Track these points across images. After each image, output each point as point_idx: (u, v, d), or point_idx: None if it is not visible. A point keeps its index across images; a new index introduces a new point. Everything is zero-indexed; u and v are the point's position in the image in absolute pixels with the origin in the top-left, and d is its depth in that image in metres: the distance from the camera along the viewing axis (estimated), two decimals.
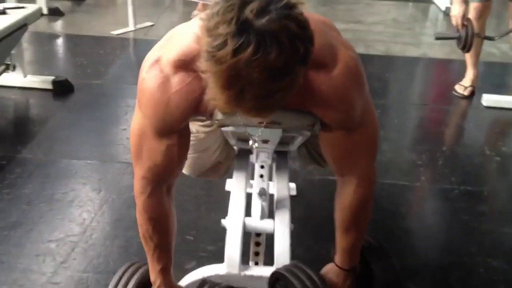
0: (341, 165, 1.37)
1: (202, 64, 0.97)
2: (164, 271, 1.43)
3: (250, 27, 0.92)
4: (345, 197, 1.39)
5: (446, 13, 5.49)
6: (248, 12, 0.92)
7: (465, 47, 3.05)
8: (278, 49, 0.92)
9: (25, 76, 3.23)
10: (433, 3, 5.95)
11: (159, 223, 1.38)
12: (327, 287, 1.37)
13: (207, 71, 0.97)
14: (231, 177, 1.82)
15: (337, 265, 1.45)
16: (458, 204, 2.36)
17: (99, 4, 5.32)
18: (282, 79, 0.96)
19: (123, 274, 1.42)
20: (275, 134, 1.45)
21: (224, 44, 0.92)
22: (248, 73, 0.93)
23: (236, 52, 0.92)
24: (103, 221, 2.11)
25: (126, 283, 1.40)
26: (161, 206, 1.38)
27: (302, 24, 0.96)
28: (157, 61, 1.19)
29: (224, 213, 1.59)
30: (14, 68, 3.17)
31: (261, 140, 1.51)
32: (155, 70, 1.19)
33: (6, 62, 3.09)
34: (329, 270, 1.46)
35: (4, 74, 3.10)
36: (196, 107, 1.20)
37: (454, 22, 3.06)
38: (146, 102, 1.22)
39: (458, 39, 3.07)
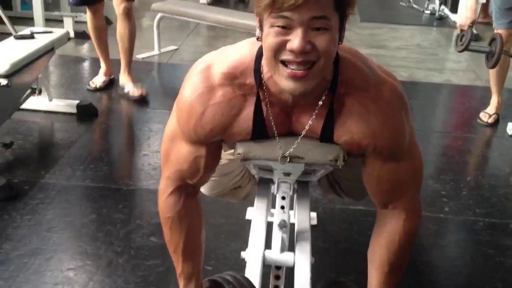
0: (387, 197, 1.35)
1: None
2: (186, 277, 1.42)
3: None
4: (391, 232, 1.36)
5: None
6: None
7: (493, 61, 2.96)
8: None
9: (50, 100, 3.28)
10: (457, 28, 5.92)
11: (176, 223, 1.38)
12: None
13: None
14: (252, 205, 1.81)
15: None
16: (483, 237, 2.31)
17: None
18: None
19: None
20: (297, 168, 1.44)
21: None
22: None
23: None
24: (122, 249, 2.11)
25: None
26: (180, 206, 1.37)
27: None
28: (208, 68, 1.21)
29: (244, 243, 1.58)
30: (40, 92, 3.22)
31: (283, 173, 1.50)
32: (203, 76, 1.20)
33: (33, 86, 3.14)
34: None
35: (30, 98, 3.15)
36: (226, 127, 1.22)
37: (459, 29, 3.08)
38: (182, 108, 1.24)
39: (488, 53, 3.01)
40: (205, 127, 1.22)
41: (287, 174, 1.51)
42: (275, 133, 1.25)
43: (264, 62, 1.15)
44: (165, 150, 1.35)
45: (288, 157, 1.28)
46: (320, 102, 1.18)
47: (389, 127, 1.20)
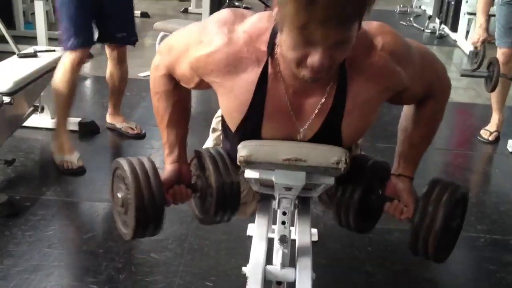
0: (422, 97, 1.43)
1: None
2: (170, 145, 1.50)
3: None
4: (424, 111, 1.45)
5: (470, 57, 5.49)
6: None
7: (491, 85, 3.02)
8: None
9: (52, 118, 3.29)
10: (458, 46, 5.96)
11: (163, 98, 1.46)
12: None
13: None
14: (253, 221, 1.81)
15: (406, 176, 1.48)
16: (484, 253, 2.31)
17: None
18: None
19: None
20: (298, 180, 1.44)
21: None
22: None
23: None
24: (123, 265, 2.10)
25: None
26: (171, 87, 1.45)
27: None
28: (233, 22, 1.26)
29: (245, 259, 1.57)
30: (42, 109, 3.24)
31: (284, 187, 1.50)
32: (228, 27, 1.25)
33: (35, 104, 3.16)
34: (398, 181, 1.48)
35: (32, 116, 3.16)
36: (225, 79, 1.26)
37: (473, 46, 3.20)
38: (200, 32, 1.29)
39: (486, 77, 3.06)
40: (207, 66, 1.27)
41: (288, 189, 1.51)
42: (289, 107, 1.27)
43: (279, 35, 1.18)
44: (171, 44, 1.41)
45: (291, 159, 1.29)
46: (335, 73, 1.23)
47: (401, 61, 1.27)
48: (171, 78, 1.44)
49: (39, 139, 3.23)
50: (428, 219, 1.36)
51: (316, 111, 1.28)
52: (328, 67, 1.11)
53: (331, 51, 1.09)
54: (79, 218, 2.45)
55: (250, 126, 1.32)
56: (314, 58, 1.09)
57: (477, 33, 3.19)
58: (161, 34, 4.32)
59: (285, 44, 1.12)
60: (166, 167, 1.51)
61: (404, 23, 7.12)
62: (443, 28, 6.54)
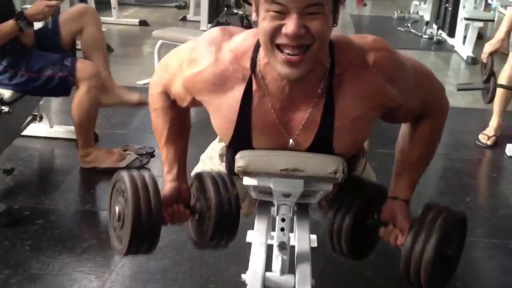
0: (418, 115, 1.41)
1: None
2: (169, 163, 1.50)
3: None
4: (421, 130, 1.43)
5: (468, 62, 5.51)
6: None
7: (488, 97, 3.08)
8: None
9: (51, 127, 3.30)
10: (456, 52, 5.97)
11: (161, 115, 1.48)
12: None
13: None
14: (252, 228, 1.81)
15: (402, 199, 1.46)
16: (484, 258, 2.31)
17: (127, 55, 5.44)
18: None
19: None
20: (296, 188, 1.45)
21: None
22: None
23: None
24: (122, 273, 2.10)
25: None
26: (167, 104, 1.46)
27: None
28: (220, 41, 1.27)
29: (245, 266, 1.57)
30: (41, 118, 3.24)
31: (283, 194, 1.50)
32: (215, 46, 1.27)
33: (34, 113, 3.16)
34: (394, 205, 1.46)
35: (31, 124, 3.17)
36: (212, 97, 1.28)
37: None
38: (189, 53, 1.31)
39: (482, 89, 3.08)
40: (196, 85, 1.30)
41: (287, 196, 1.51)
42: (277, 121, 1.27)
43: (261, 50, 1.20)
44: (167, 62, 1.43)
45: (288, 169, 1.30)
46: (320, 88, 1.23)
47: (394, 78, 1.26)
48: (168, 95, 1.45)
49: (38, 147, 3.23)
50: (420, 245, 1.31)
51: (304, 122, 1.27)
52: (303, 37, 1.12)
53: (305, 20, 1.11)
54: (78, 226, 2.44)
55: (241, 140, 1.33)
56: (289, 25, 1.10)
57: (488, 43, 3.24)
58: (160, 42, 4.33)
59: (261, 24, 1.14)
60: (165, 185, 1.50)
61: (402, 29, 7.13)
62: (441, 33, 6.55)
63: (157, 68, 1.51)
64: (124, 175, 1.37)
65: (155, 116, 1.50)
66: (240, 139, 1.32)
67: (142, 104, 2.94)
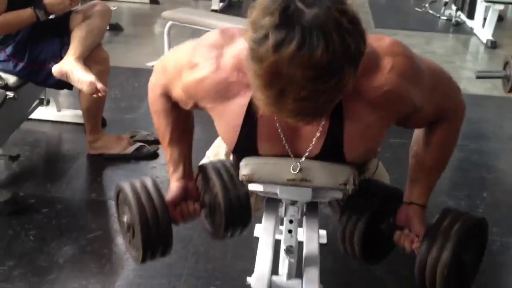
0: (433, 120, 1.34)
1: (246, 62, 0.95)
2: (174, 163, 1.45)
3: (295, 20, 0.86)
4: (436, 134, 1.36)
5: (487, 45, 5.36)
6: (294, 3, 0.87)
7: (509, 85, 2.95)
8: (325, 45, 0.85)
9: (59, 110, 3.25)
10: (475, 34, 5.82)
11: (162, 115, 1.43)
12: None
13: (249, 69, 0.93)
14: (260, 221, 1.75)
15: (417, 204, 1.40)
16: (500, 257, 2.24)
17: (137, 35, 5.35)
18: (327, 79, 0.89)
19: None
20: (303, 196, 1.38)
21: (265, 38, 0.87)
22: (290, 71, 0.87)
23: (277, 47, 0.86)
24: (127, 268, 2.06)
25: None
26: (168, 106, 1.40)
27: (355, 19, 0.89)
28: (222, 46, 1.19)
29: (252, 262, 1.52)
30: (48, 102, 3.19)
31: (290, 201, 1.44)
32: (216, 52, 1.19)
33: (41, 97, 3.11)
34: (409, 210, 1.40)
35: (39, 108, 3.12)
36: (216, 105, 1.21)
37: None
38: (191, 60, 1.23)
39: (503, 78, 2.96)
40: (198, 93, 1.23)
41: (293, 203, 1.45)
42: (281, 136, 1.21)
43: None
44: (165, 64, 1.38)
45: (295, 180, 1.23)
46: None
47: (410, 86, 1.17)
48: (169, 97, 1.39)
49: (45, 131, 3.19)
50: (436, 251, 1.27)
51: (312, 128, 1.20)
52: None
53: None
54: (84, 216, 2.40)
55: (246, 146, 1.27)
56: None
57: None
58: (169, 23, 4.24)
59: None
60: (172, 185, 1.46)
61: (419, 10, 6.96)
62: (459, 15, 6.38)
63: (155, 68, 1.44)
64: (125, 185, 1.36)
65: (157, 117, 1.45)
66: (245, 145, 1.27)
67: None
